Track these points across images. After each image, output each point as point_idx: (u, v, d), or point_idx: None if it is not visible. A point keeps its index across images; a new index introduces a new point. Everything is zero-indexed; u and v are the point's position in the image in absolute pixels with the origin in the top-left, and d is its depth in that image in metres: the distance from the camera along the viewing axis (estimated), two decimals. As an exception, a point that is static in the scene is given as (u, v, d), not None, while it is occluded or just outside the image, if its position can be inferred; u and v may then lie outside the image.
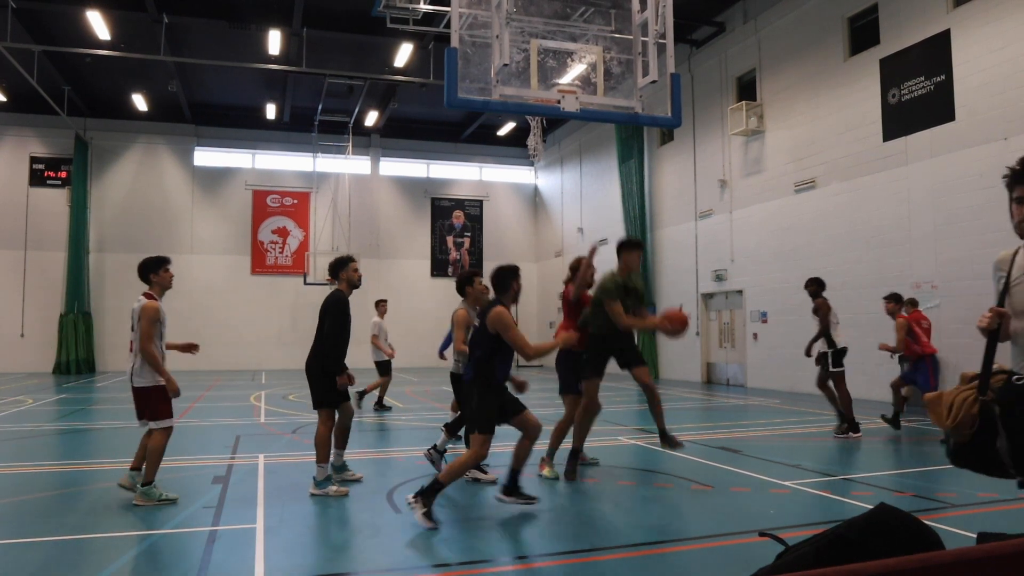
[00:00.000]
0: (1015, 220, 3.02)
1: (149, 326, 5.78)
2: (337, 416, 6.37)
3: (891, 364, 13.22)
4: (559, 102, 4.95)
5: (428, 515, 5.01)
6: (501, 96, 4.84)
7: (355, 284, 6.47)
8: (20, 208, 24.29)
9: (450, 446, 7.17)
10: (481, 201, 29.26)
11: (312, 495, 6.00)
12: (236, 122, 26.06)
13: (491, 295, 5.83)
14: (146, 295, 5.97)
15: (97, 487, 6.49)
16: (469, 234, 29.04)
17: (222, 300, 25.82)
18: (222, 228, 26.26)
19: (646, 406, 6.84)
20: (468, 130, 27.42)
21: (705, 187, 18.99)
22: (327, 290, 6.77)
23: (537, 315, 29.04)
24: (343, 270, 6.44)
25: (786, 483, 6.37)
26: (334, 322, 6.19)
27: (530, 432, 5.56)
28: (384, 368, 12.45)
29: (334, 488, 6.09)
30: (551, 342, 5.94)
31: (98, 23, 17.02)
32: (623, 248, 6.97)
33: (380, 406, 12.35)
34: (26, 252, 24.20)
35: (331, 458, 6.31)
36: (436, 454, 6.78)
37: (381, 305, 13.12)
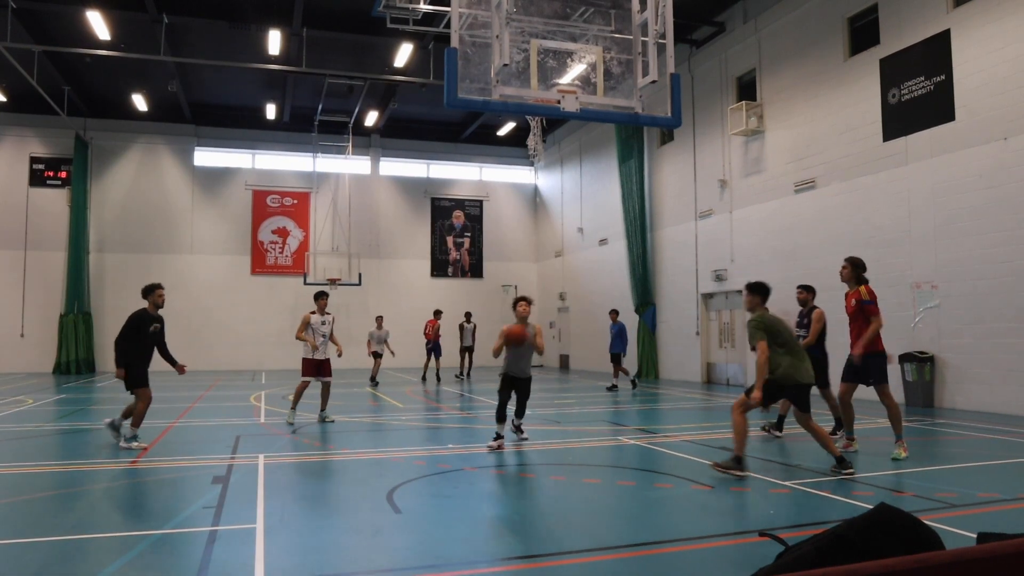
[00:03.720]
0: None
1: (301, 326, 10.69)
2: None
3: (892, 365, 13.22)
4: (559, 102, 4.95)
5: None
6: (501, 96, 4.84)
7: (159, 306, 8.64)
8: (20, 208, 24.28)
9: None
10: (481, 201, 29.25)
11: (122, 447, 8.21)
12: (236, 122, 26.06)
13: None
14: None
15: (97, 487, 6.49)
16: (469, 234, 29.03)
17: (222, 300, 25.81)
18: (222, 228, 26.26)
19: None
20: (468, 130, 27.42)
21: (705, 187, 18.99)
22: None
23: (537, 316, 29.06)
24: (151, 295, 8.61)
25: (786, 483, 6.37)
26: (123, 332, 8.42)
27: None
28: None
29: (136, 443, 8.29)
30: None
31: (98, 23, 17.02)
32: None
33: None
34: (26, 252, 24.20)
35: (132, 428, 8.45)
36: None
37: (379, 319, 18.97)
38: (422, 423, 11.30)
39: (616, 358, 16.85)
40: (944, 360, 12.46)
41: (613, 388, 16.80)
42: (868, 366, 7.66)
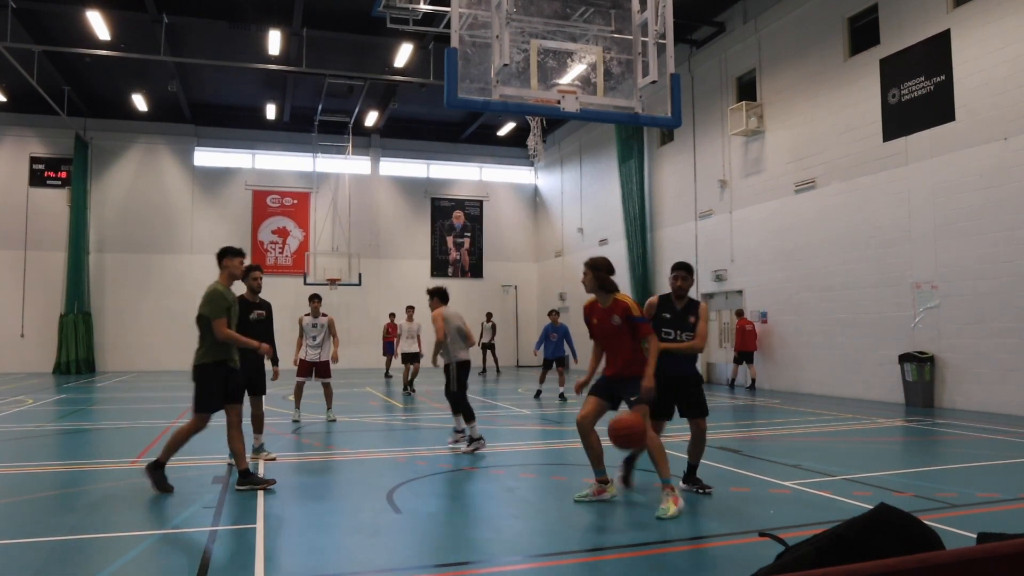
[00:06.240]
0: None
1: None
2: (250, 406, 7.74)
3: (892, 365, 13.23)
4: (559, 102, 4.95)
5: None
6: (501, 96, 4.84)
7: (256, 290, 7.94)
8: (20, 208, 24.28)
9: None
10: (481, 201, 29.25)
11: (253, 459, 7.53)
12: (236, 122, 26.06)
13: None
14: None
15: (97, 487, 6.49)
16: (469, 234, 29.03)
17: (222, 300, 25.76)
18: (222, 228, 26.24)
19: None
20: (468, 130, 27.42)
21: (705, 187, 18.99)
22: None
23: (537, 316, 29.04)
24: (245, 278, 7.69)
25: (786, 483, 6.37)
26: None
27: None
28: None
29: (264, 455, 7.66)
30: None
31: (98, 23, 17.02)
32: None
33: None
34: (26, 252, 24.19)
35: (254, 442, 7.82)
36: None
37: (410, 310, 17.22)
38: (422, 423, 11.30)
39: (549, 364, 14.79)
40: (944, 360, 12.46)
41: (538, 394, 15.01)
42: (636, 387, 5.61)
